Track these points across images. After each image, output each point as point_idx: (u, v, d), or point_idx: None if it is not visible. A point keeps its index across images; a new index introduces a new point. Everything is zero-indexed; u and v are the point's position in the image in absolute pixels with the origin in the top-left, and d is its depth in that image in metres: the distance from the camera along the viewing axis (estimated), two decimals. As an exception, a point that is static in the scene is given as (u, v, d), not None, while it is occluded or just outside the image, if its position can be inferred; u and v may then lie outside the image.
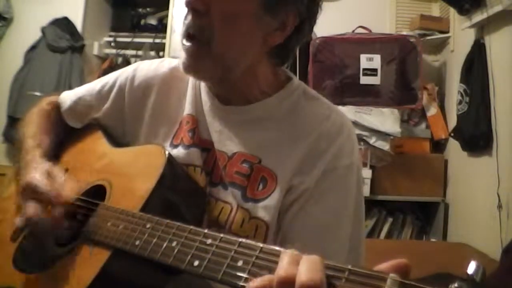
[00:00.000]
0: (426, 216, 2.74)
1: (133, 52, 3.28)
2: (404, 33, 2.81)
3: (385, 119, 2.53)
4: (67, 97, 0.98)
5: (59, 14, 3.07)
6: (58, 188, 0.76)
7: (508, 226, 1.93)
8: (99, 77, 1.03)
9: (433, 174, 2.64)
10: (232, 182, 0.77)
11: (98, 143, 0.91)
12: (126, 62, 3.12)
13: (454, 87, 2.51)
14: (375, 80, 2.59)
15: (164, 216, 0.60)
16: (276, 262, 0.43)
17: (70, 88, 1.03)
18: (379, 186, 2.56)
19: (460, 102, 2.34)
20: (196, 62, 0.74)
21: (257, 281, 0.42)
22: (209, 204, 0.77)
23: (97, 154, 0.87)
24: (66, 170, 0.89)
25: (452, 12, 2.67)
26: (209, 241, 0.50)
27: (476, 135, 2.20)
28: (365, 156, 2.47)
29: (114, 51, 3.32)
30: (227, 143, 0.80)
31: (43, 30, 3.04)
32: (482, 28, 2.27)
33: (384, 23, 3.04)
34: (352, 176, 0.79)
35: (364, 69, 2.60)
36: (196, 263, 0.50)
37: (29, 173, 0.79)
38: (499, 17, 2.08)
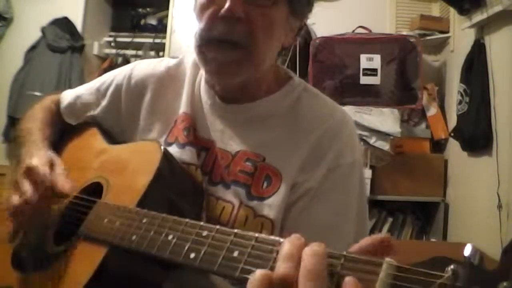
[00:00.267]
0: (426, 216, 2.74)
1: (133, 52, 3.29)
2: (404, 33, 2.82)
3: (385, 119, 2.53)
4: (67, 96, 1.00)
5: (59, 14, 3.07)
6: (57, 178, 0.76)
7: (508, 226, 1.93)
8: (99, 77, 1.03)
9: (433, 174, 2.64)
10: (236, 180, 0.77)
11: (95, 140, 0.91)
12: (126, 62, 3.12)
13: (454, 87, 2.51)
14: (375, 80, 2.59)
15: (161, 211, 0.60)
16: (272, 252, 0.43)
17: (70, 88, 1.04)
18: (379, 186, 2.56)
19: (460, 102, 2.34)
20: (239, 69, 0.75)
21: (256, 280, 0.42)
22: (209, 204, 0.77)
23: (94, 152, 0.87)
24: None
25: (452, 12, 2.68)
26: (205, 233, 0.50)
27: (476, 135, 2.20)
28: (365, 156, 2.46)
29: (114, 51, 3.32)
30: (230, 142, 0.80)
31: (43, 30, 3.04)
32: (482, 28, 2.27)
33: (384, 23, 3.04)
34: (355, 174, 0.79)
35: (364, 69, 2.60)
36: (192, 255, 0.49)
37: (32, 156, 0.79)
38: (499, 17, 2.08)
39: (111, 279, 0.63)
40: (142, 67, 0.92)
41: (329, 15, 2.84)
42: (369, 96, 2.60)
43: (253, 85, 0.81)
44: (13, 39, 3.13)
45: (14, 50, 3.06)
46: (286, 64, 2.55)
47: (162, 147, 0.73)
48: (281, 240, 0.43)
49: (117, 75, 0.94)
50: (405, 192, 2.58)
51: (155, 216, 0.59)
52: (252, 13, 0.72)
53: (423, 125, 2.79)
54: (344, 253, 0.39)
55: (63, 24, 3.06)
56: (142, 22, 3.38)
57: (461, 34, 2.53)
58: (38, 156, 0.80)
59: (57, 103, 1.00)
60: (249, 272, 0.42)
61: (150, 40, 3.25)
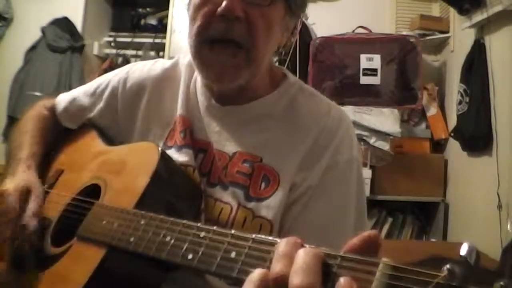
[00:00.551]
0: (426, 216, 2.73)
1: (133, 52, 3.29)
2: (404, 33, 2.81)
3: (385, 119, 2.53)
4: (62, 100, 0.99)
5: (59, 14, 3.08)
6: (26, 211, 0.76)
7: (508, 226, 1.92)
8: (99, 77, 1.03)
9: (433, 174, 2.64)
10: (234, 181, 0.76)
11: (92, 142, 0.91)
12: (126, 62, 3.12)
13: (454, 87, 2.51)
14: (375, 80, 2.59)
15: (159, 212, 0.60)
16: (269, 252, 0.43)
17: (70, 88, 1.04)
18: (379, 186, 2.56)
19: (460, 102, 2.33)
20: (238, 74, 0.74)
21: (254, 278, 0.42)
22: (208, 205, 0.76)
23: (91, 154, 0.87)
24: (62, 171, 0.90)
25: (452, 12, 2.67)
26: (202, 234, 0.50)
27: (476, 135, 2.20)
28: (365, 156, 2.46)
29: (114, 51, 3.33)
30: (227, 143, 0.80)
31: (43, 30, 3.04)
32: (482, 28, 2.27)
33: (384, 23, 3.04)
34: (353, 171, 0.79)
35: (364, 69, 2.59)
36: (190, 256, 0.49)
37: (13, 178, 0.81)
38: (499, 17, 2.08)
39: (110, 281, 0.63)
40: (137, 70, 0.92)
41: (329, 15, 2.85)
42: (369, 96, 2.60)
43: (250, 86, 0.80)
44: (13, 39, 3.13)
45: (14, 50, 3.07)
46: (286, 64, 2.55)
47: (159, 148, 0.73)
48: (278, 240, 0.43)
49: (113, 78, 0.93)
50: (405, 192, 2.58)
51: (153, 217, 0.59)
52: (251, 13, 0.71)
53: (423, 125, 2.79)
54: (341, 253, 0.39)
55: (63, 24, 3.06)
56: (142, 22, 3.38)
57: (461, 34, 2.53)
58: (16, 181, 0.80)
59: (51, 108, 1.00)
60: (247, 272, 0.42)
61: (150, 40, 3.25)
